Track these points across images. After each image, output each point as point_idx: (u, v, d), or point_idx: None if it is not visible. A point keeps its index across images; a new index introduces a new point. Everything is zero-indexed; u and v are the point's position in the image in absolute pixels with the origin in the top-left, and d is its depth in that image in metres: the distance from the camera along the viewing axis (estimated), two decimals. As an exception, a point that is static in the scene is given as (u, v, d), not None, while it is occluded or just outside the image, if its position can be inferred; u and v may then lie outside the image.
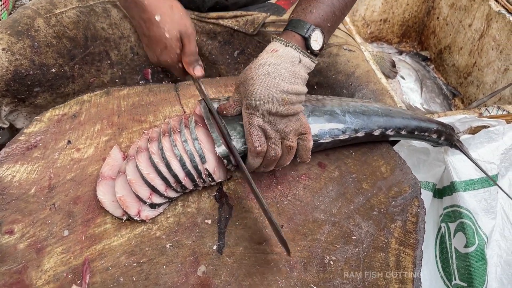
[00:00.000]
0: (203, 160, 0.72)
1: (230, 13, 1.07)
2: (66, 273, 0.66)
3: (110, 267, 0.67)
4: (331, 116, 0.80)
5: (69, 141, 0.83)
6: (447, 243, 1.09)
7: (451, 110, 1.72)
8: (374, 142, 0.88)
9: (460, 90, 1.80)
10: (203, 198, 0.77)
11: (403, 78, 1.72)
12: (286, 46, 0.72)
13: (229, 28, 1.09)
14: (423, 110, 1.64)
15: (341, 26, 1.15)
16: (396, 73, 1.71)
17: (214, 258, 0.69)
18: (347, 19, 1.57)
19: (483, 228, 1.04)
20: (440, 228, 1.12)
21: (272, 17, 1.08)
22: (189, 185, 0.73)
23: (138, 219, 0.71)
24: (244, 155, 0.73)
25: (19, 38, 0.95)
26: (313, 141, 0.77)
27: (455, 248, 1.06)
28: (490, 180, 1.03)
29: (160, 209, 0.73)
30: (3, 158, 0.79)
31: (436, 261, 1.11)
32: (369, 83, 1.00)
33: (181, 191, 0.74)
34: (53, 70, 1.00)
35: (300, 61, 0.72)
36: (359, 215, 0.76)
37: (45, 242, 0.69)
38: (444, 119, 1.09)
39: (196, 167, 0.72)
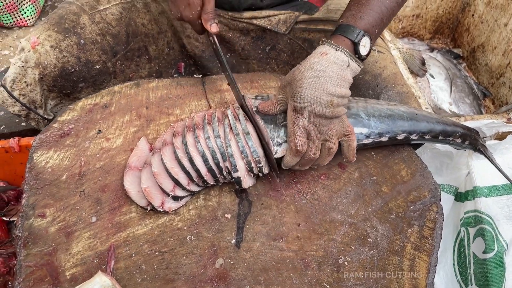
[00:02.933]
0: (224, 158, 0.74)
1: (264, 13, 1.09)
2: (92, 257, 0.70)
3: (133, 254, 0.70)
4: (356, 120, 0.81)
5: (100, 130, 0.87)
6: (466, 247, 1.08)
7: (480, 111, 1.68)
8: (396, 145, 0.88)
9: (492, 91, 1.76)
10: (224, 192, 0.79)
11: (432, 76, 1.69)
12: (336, 50, 0.75)
13: (261, 27, 1.10)
14: (449, 112, 1.62)
15: None
16: (426, 71, 1.69)
17: (232, 252, 0.72)
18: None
19: (503, 235, 1.03)
20: (459, 232, 1.12)
21: (304, 16, 1.09)
22: (210, 180, 0.76)
23: (161, 210, 0.74)
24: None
25: (66, 35, 0.98)
26: None
27: (473, 253, 1.05)
28: (514, 187, 1.01)
29: (183, 202, 0.76)
30: (38, 145, 0.84)
31: (454, 264, 1.11)
32: (395, 85, 0.99)
33: (202, 185, 0.77)
34: (97, 67, 1.03)
35: (348, 65, 0.75)
36: (376, 217, 0.77)
37: (74, 227, 0.73)
38: (471, 123, 1.08)
39: (217, 164, 0.74)
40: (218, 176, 0.76)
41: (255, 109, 0.80)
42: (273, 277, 0.69)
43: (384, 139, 0.83)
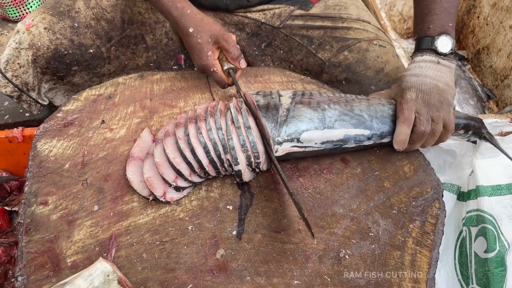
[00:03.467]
0: (226, 150, 0.74)
1: (258, 7, 1.09)
2: (94, 245, 0.70)
3: (134, 243, 0.70)
4: (358, 121, 0.80)
5: (103, 121, 0.87)
6: (467, 246, 1.08)
7: (484, 113, 1.68)
8: None
9: (496, 93, 1.75)
10: (226, 184, 0.79)
11: (436, 77, 1.69)
12: (421, 56, 0.84)
13: (256, 21, 1.10)
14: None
15: (372, 20, 1.14)
16: (430, 71, 1.68)
17: (233, 243, 0.72)
18: (382, 14, 1.55)
19: (505, 234, 1.02)
20: (461, 232, 1.11)
21: (299, 11, 1.08)
22: (212, 172, 0.76)
23: (163, 200, 0.74)
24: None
25: (60, 18, 1.00)
26: (338, 145, 0.80)
27: (475, 252, 1.05)
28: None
29: (185, 192, 0.76)
30: (42, 133, 0.84)
31: (455, 263, 1.11)
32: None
33: (204, 176, 0.77)
34: (91, 51, 1.04)
35: (438, 62, 0.83)
36: (378, 212, 0.77)
37: (76, 215, 0.73)
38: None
39: (219, 156, 0.74)
40: (220, 168, 0.76)
41: (254, 96, 0.80)
42: (274, 269, 0.69)
43: (385, 140, 0.83)
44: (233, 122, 0.77)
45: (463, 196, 1.13)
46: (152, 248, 0.70)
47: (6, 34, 2.05)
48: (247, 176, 0.77)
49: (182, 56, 1.19)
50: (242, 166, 0.75)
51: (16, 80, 1.01)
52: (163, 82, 0.97)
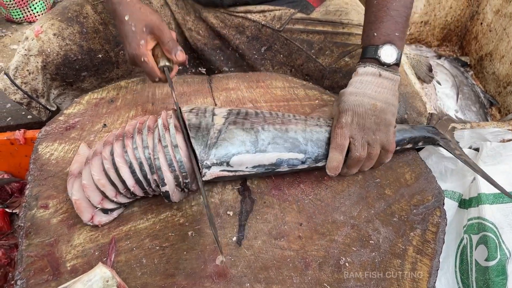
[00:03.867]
0: (152, 170, 0.71)
1: (258, 8, 1.08)
2: (93, 250, 0.70)
3: (134, 248, 0.70)
4: (293, 144, 0.77)
5: (105, 124, 0.87)
6: (468, 254, 1.08)
7: (486, 119, 1.67)
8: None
9: (498, 100, 1.75)
10: (226, 190, 0.79)
11: (439, 83, 1.69)
12: (364, 67, 0.81)
13: (257, 23, 1.09)
14: (455, 118, 1.61)
15: None
16: (432, 77, 1.68)
17: (233, 249, 0.71)
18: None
19: (506, 243, 1.02)
20: (462, 239, 1.11)
21: (300, 14, 1.08)
22: (139, 192, 0.73)
23: (91, 224, 0.72)
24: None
25: (69, 24, 1.00)
26: (270, 169, 0.77)
27: (475, 260, 1.05)
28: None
29: (114, 214, 0.73)
30: (43, 136, 0.84)
31: (455, 271, 1.10)
32: (399, 86, 0.99)
33: (131, 197, 0.74)
34: (100, 56, 1.04)
35: (380, 75, 0.79)
36: (378, 220, 0.77)
37: (76, 219, 0.73)
38: (476, 131, 1.07)
39: (145, 176, 0.71)
40: (147, 188, 0.72)
41: (187, 114, 0.77)
42: (274, 276, 0.69)
43: (320, 164, 0.79)
44: (160, 140, 0.73)
45: (464, 203, 1.12)
46: (151, 253, 0.70)
47: (10, 35, 2.06)
48: (176, 196, 0.74)
49: (187, 56, 1.20)
50: (170, 187, 0.71)
51: (25, 87, 1.01)
52: (165, 86, 0.97)
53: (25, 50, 0.99)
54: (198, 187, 0.77)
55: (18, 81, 1.01)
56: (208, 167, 0.73)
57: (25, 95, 1.03)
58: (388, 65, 0.80)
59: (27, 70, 1.00)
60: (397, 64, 0.81)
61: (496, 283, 1.00)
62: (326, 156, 0.79)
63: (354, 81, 0.80)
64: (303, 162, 0.78)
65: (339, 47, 1.07)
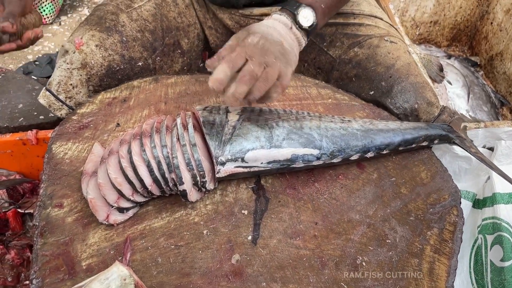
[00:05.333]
0: (170, 169, 0.71)
1: (274, 9, 1.08)
2: (108, 249, 0.70)
3: (149, 247, 0.70)
4: (307, 140, 0.77)
5: (118, 124, 0.87)
6: (483, 255, 1.06)
7: (498, 119, 1.66)
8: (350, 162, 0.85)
9: (509, 100, 1.74)
10: (241, 189, 0.79)
11: (450, 83, 1.68)
12: (280, 14, 0.81)
13: None
14: (468, 117, 1.60)
15: (384, 17, 1.13)
16: (443, 77, 1.67)
17: (248, 248, 0.71)
18: (396, 19, 1.55)
19: (522, 243, 1.00)
20: (476, 239, 1.10)
21: None
22: (156, 191, 0.73)
23: (106, 223, 0.72)
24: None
25: (109, 34, 0.99)
26: (285, 165, 0.76)
27: (490, 261, 1.03)
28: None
29: (130, 213, 0.73)
30: (57, 136, 0.84)
31: (470, 272, 1.09)
32: (409, 76, 0.98)
33: (148, 196, 0.74)
34: (140, 64, 1.04)
35: (291, 28, 0.81)
36: (395, 219, 0.76)
37: (91, 218, 0.73)
38: (490, 130, 1.06)
39: (163, 175, 0.71)
40: (164, 187, 0.72)
41: (201, 112, 0.77)
42: (290, 275, 0.68)
43: (336, 160, 0.79)
44: (178, 139, 0.73)
45: (478, 203, 1.11)
46: (167, 252, 0.70)
47: (19, 38, 2.06)
48: (193, 196, 0.73)
49: (207, 53, 1.20)
50: (187, 185, 0.71)
51: (70, 101, 0.99)
52: (177, 86, 0.97)
53: (67, 63, 0.96)
54: (216, 186, 0.77)
55: (61, 96, 0.98)
56: (223, 164, 0.72)
57: (71, 110, 1.00)
58: (300, 26, 0.81)
59: (71, 84, 0.97)
60: (308, 32, 0.83)
61: (512, 283, 0.99)
62: (341, 152, 0.78)
63: (266, 21, 0.80)
64: (318, 158, 0.77)
65: (349, 38, 1.06)
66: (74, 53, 0.95)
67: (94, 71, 0.97)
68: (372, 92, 1.01)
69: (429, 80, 1.17)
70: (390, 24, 1.14)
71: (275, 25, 0.79)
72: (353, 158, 0.80)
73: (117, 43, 0.99)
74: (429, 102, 0.96)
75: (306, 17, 0.81)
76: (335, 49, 1.08)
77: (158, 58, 1.07)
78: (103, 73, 0.98)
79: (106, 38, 0.98)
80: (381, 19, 1.11)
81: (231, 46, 0.73)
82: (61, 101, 0.98)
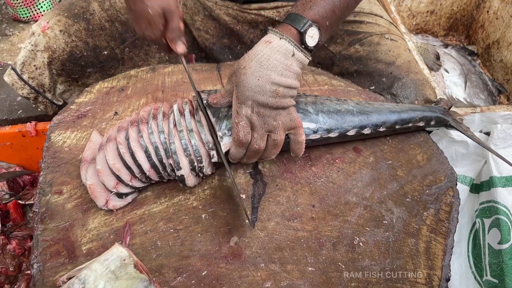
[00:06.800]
0: (168, 155, 0.71)
1: (272, 4, 1.08)
2: (108, 233, 0.71)
3: (149, 231, 0.71)
4: (303, 114, 0.78)
5: (116, 112, 0.88)
6: (481, 238, 1.07)
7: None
8: (349, 141, 0.86)
9: (507, 87, 1.74)
10: (238, 174, 0.79)
11: (447, 71, 1.68)
12: (280, 38, 0.72)
13: (270, 19, 1.09)
14: (465, 103, 1.60)
15: (384, 15, 1.14)
16: (440, 65, 1.67)
17: (247, 231, 0.72)
18: (392, 8, 1.55)
19: (520, 226, 1.01)
20: (474, 224, 1.11)
21: None
22: (154, 176, 0.73)
23: (105, 209, 0.73)
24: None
25: (76, 21, 1.00)
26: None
27: (488, 244, 1.04)
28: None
29: (129, 199, 0.74)
30: (55, 125, 0.85)
31: (468, 256, 1.10)
32: (409, 73, 0.99)
33: (146, 181, 0.75)
34: (105, 52, 1.05)
35: (293, 55, 0.71)
36: (391, 200, 0.77)
37: (91, 204, 0.74)
38: (486, 115, 1.07)
39: (161, 160, 0.72)
40: (162, 172, 0.73)
41: (205, 102, 0.77)
42: (288, 256, 0.69)
43: (333, 135, 0.80)
44: (175, 125, 0.74)
45: (476, 188, 1.12)
46: (166, 236, 0.71)
47: (17, 34, 2.07)
48: (191, 181, 0.74)
49: (193, 55, 1.20)
50: (185, 171, 0.72)
51: (32, 82, 1.02)
52: (174, 75, 0.97)
53: (32, 45, 0.99)
54: (213, 171, 0.77)
55: (25, 76, 1.01)
56: (220, 138, 0.73)
57: (32, 90, 1.03)
58: (306, 47, 0.74)
59: (34, 65, 1.00)
60: (310, 51, 0.75)
61: (509, 266, 0.99)
62: (337, 127, 0.79)
63: (262, 52, 0.70)
64: (315, 132, 0.78)
65: (350, 35, 1.06)
66: (39, 35, 0.98)
67: (56, 55, 1.00)
68: (373, 87, 1.01)
69: (429, 76, 1.17)
70: (390, 22, 1.14)
71: (270, 61, 0.70)
72: (350, 133, 0.81)
73: (83, 30, 1.01)
74: (428, 100, 0.98)
75: (313, 36, 0.75)
76: (335, 45, 1.08)
77: (127, 49, 1.08)
78: (65, 58, 1.01)
79: (71, 24, 1.00)
80: (381, 16, 1.11)
81: (228, 91, 0.74)
82: (24, 81, 1.01)
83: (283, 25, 0.75)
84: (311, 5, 0.76)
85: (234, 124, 0.71)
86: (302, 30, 0.73)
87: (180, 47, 0.78)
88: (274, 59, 0.70)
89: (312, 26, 0.74)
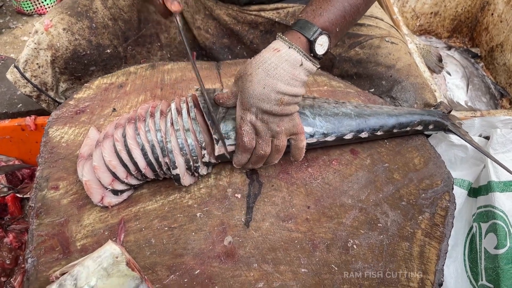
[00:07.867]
0: (164, 153, 0.72)
1: (272, 5, 1.08)
2: (103, 230, 0.71)
3: (143, 229, 0.71)
4: (300, 118, 0.76)
5: (114, 109, 0.88)
6: (477, 243, 1.07)
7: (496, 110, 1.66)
8: (346, 144, 0.85)
9: (509, 91, 1.73)
10: (234, 173, 0.79)
11: (449, 74, 1.67)
12: (289, 47, 0.70)
13: (270, 20, 1.09)
14: (465, 106, 1.60)
15: (385, 17, 1.13)
16: (442, 67, 1.67)
17: (241, 231, 0.72)
18: (395, 9, 1.54)
19: (516, 231, 1.01)
20: (471, 228, 1.10)
21: None
22: (150, 174, 0.74)
23: (101, 205, 0.73)
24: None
25: (79, 19, 1.00)
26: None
27: (485, 248, 1.04)
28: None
29: (124, 196, 0.74)
30: (54, 120, 0.85)
31: (464, 260, 1.10)
32: (409, 77, 0.99)
33: (142, 179, 0.75)
34: (108, 51, 1.05)
35: (301, 65, 0.70)
36: (387, 203, 0.77)
37: (86, 200, 0.74)
38: (486, 119, 1.06)
39: (157, 159, 0.72)
40: (158, 170, 0.73)
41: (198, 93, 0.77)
42: (281, 257, 0.69)
43: (330, 139, 0.80)
44: (172, 124, 0.74)
45: (474, 192, 1.12)
46: (160, 233, 0.71)
47: (20, 27, 2.08)
48: (186, 180, 0.74)
49: (195, 53, 1.20)
50: (180, 170, 0.72)
51: (35, 80, 1.02)
52: (173, 72, 0.97)
53: (35, 43, 0.99)
54: (208, 172, 0.78)
55: (28, 74, 1.01)
56: (217, 141, 0.73)
57: (35, 88, 1.03)
58: (315, 55, 0.72)
59: (37, 63, 1.00)
60: (319, 59, 0.74)
61: (505, 271, 0.99)
62: (334, 131, 0.79)
63: (269, 60, 0.69)
64: (311, 136, 0.78)
65: (350, 38, 1.06)
66: (42, 34, 0.98)
67: (60, 53, 0.99)
68: (373, 89, 1.01)
69: (429, 79, 1.17)
70: (391, 25, 1.14)
71: (277, 70, 0.68)
72: (347, 137, 0.81)
73: (86, 29, 1.01)
74: (427, 104, 0.97)
75: (322, 44, 0.73)
76: (336, 47, 1.08)
77: (130, 47, 1.08)
78: (68, 56, 1.00)
79: (75, 22, 1.00)
80: (382, 19, 1.11)
81: (234, 93, 0.73)
82: (26, 79, 1.01)
83: (293, 32, 0.73)
84: (321, 11, 0.74)
85: (239, 129, 0.71)
86: (312, 39, 0.71)
87: (175, 5, 0.78)
88: (282, 69, 0.69)
89: (322, 34, 0.72)
